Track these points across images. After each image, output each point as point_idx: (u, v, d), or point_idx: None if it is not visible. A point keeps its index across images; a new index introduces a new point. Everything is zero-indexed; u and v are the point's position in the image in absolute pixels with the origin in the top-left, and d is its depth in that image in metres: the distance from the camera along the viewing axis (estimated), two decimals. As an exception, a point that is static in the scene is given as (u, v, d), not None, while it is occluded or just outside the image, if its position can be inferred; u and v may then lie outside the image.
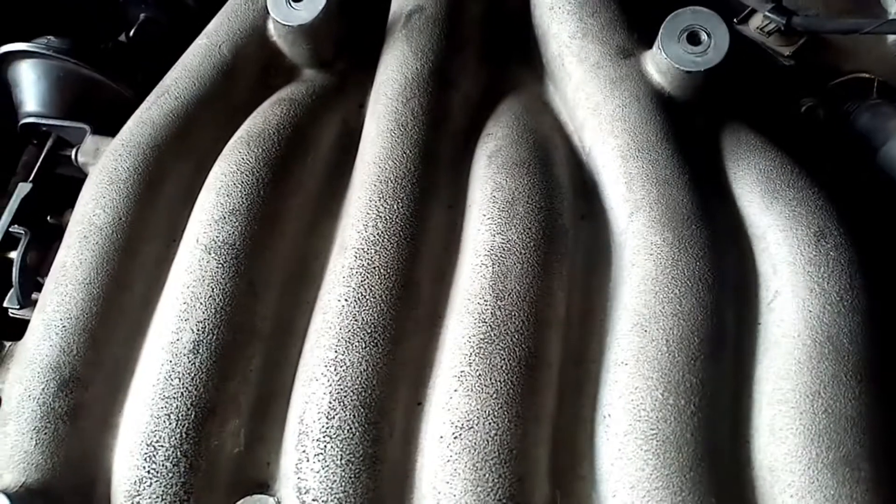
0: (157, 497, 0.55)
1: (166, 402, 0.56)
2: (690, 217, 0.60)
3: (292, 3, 0.70)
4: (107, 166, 0.66)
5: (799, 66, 0.79)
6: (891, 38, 0.80)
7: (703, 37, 0.66)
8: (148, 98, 0.71)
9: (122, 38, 0.92)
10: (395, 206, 0.62)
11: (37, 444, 0.57)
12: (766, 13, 0.73)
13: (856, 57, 0.82)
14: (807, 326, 0.57)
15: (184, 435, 0.55)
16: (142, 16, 0.92)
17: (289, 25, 0.69)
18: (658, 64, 0.67)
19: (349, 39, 0.74)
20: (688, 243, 0.59)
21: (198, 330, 0.58)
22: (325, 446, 0.54)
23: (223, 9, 0.76)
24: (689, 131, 0.67)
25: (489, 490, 0.53)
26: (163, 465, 0.55)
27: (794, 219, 0.61)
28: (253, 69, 0.73)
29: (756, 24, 0.74)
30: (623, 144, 0.65)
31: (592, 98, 0.69)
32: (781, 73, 0.79)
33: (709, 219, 0.61)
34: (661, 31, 0.66)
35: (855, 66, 0.82)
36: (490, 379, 0.55)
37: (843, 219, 0.61)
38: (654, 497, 0.52)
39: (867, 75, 0.82)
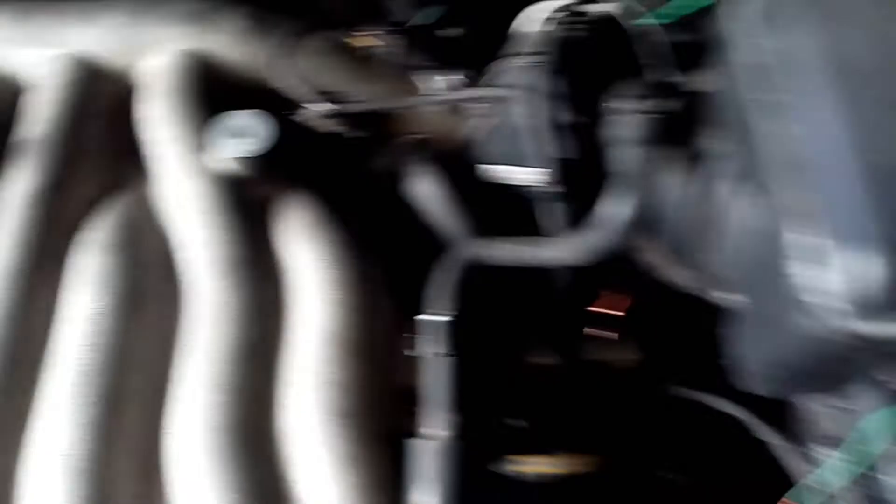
0: None
1: None
2: (237, 264, 0.82)
3: None
4: None
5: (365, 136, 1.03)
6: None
7: (244, 130, 0.88)
8: None
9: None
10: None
11: None
12: (313, 102, 0.97)
13: (420, 121, 1.08)
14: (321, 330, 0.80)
15: None
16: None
17: None
18: (215, 155, 0.89)
19: None
20: (232, 283, 0.81)
21: None
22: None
23: None
24: (248, 202, 0.89)
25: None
26: None
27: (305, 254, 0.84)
28: None
29: (310, 113, 0.98)
30: (190, 223, 0.86)
31: (172, 190, 0.90)
32: (351, 143, 1.04)
33: (251, 264, 0.83)
34: (213, 128, 0.88)
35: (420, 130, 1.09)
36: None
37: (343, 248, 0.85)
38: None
39: (421, 135, 1.08)
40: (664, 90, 0.79)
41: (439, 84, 1.03)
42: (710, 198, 0.74)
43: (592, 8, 0.91)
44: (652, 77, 0.81)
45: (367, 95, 1.03)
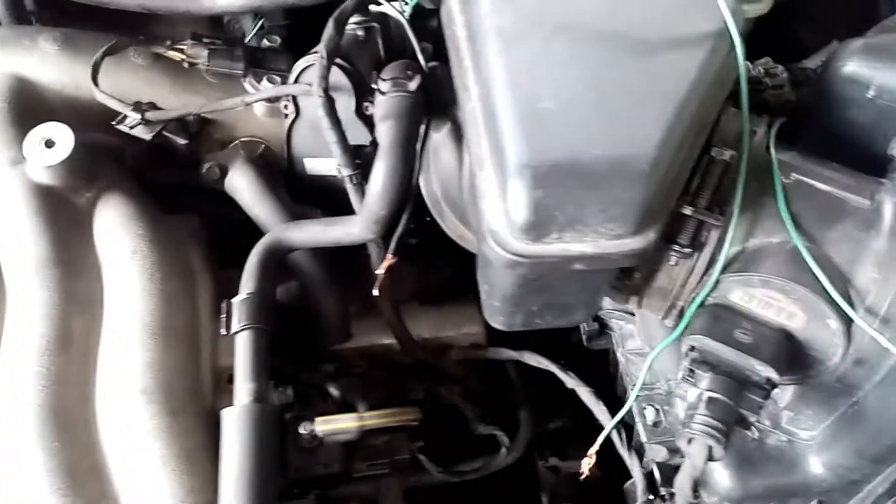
0: None
1: None
2: (47, 262, 0.87)
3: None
4: None
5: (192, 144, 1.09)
6: (258, 107, 1.12)
7: (54, 140, 0.94)
8: None
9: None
10: None
11: None
12: (129, 113, 1.02)
13: (244, 128, 1.14)
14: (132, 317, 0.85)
15: None
16: None
17: None
18: (31, 165, 0.94)
19: None
20: (42, 281, 0.86)
21: None
22: None
23: None
24: (66, 208, 0.94)
25: None
26: None
27: (119, 246, 0.90)
28: None
29: (127, 123, 1.03)
30: (9, 225, 0.91)
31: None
32: (182, 150, 1.09)
33: (64, 262, 0.88)
34: (25, 142, 0.93)
35: (244, 133, 1.15)
36: None
37: (154, 239, 0.90)
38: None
39: (252, 138, 1.14)
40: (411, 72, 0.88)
41: (253, 89, 1.10)
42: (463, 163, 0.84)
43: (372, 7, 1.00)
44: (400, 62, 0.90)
45: (187, 105, 1.10)
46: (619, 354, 1.05)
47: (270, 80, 1.10)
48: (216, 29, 1.50)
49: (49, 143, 0.94)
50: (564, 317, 0.77)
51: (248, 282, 0.88)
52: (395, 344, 1.06)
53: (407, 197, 0.85)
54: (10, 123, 0.99)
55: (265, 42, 1.17)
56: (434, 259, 1.05)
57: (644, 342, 1.02)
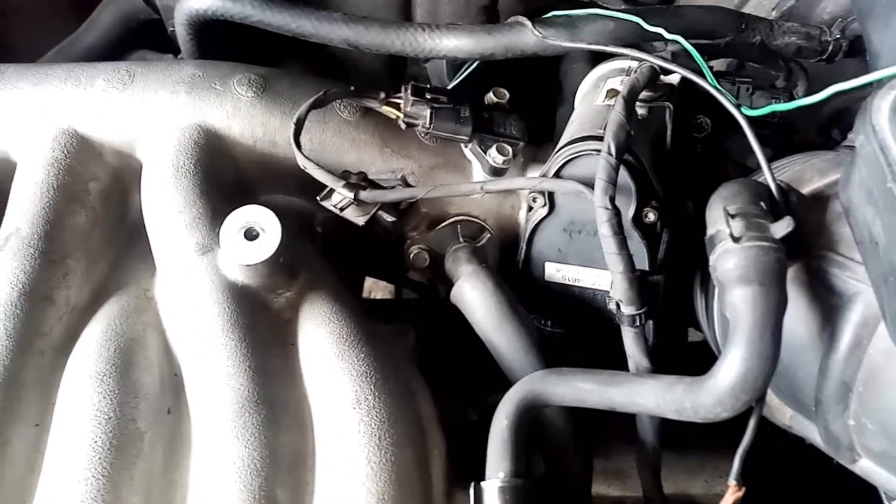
0: None
1: None
2: (245, 405, 0.67)
3: None
4: None
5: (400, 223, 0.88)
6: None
7: (258, 231, 0.74)
8: None
9: None
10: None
11: None
12: (339, 189, 0.82)
13: (459, 203, 0.93)
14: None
15: None
16: None
17: None
18: (225, 259, 0.74)
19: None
20: (240, 432, 0.66)
21: None
22: None
23: None
24: (263, 315, 0.74)
25: None
26: None
27: (335, 388, 0.69)
28: None
29: (334, 202, 0.83)
30: (193, 337, 0.71)
31: (174, 294, 0.75)
32: (388, 229, 0.88)
33: (266, 403, 0.68)
34: (220, 229, 0.74)
35: (459, 211, 0.93)
36: None
37: (381, 383, 0.69)
38: None
39: (470, 217, 0.93)
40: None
41: (492, 158, 0.88)
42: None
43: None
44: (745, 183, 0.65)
45: (401, 174, 0.89)
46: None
47: (500, 151, 0.88)
48: (398, 69, 1.31)
49: (251, 234, 0.74)
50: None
51: (500, 460, 0.66)
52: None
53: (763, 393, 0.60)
54: (200, 194, 0.80)
55: (491, 97, 0.95)
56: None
57: None
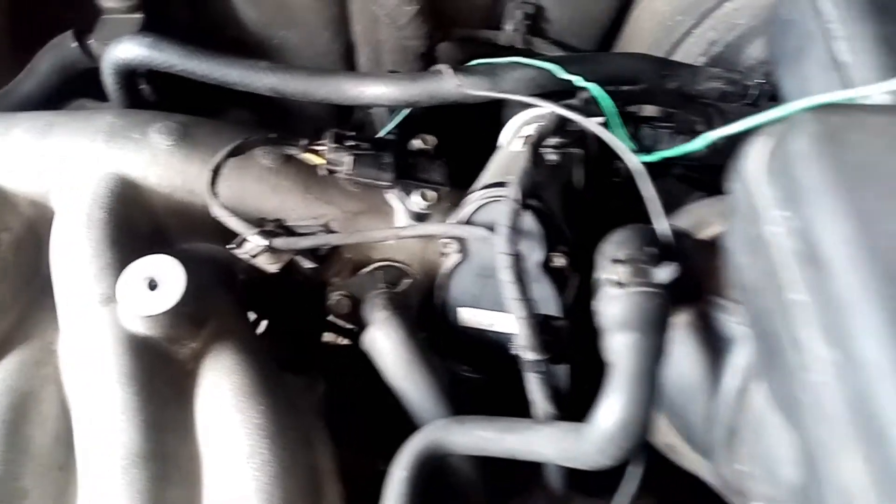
0: None
1: None
2: (134, 461, 0.65)
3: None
4: None
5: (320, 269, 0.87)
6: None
7: (160, 281, 0.73)
8: None
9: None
10: None
11: None
12: (250, 237, 0.81)
13: (383, 249, 0.92)
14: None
15: None
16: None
17: None
18: (125, 310, 0.73)
19: None
20: (126, 488, 0.64)
21: None
22: None
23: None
24: (164, 367, 0.73)
25: None
26: None
27: (229, 441, 0.67)
28: None
29: (246, 249, 0.82)
30: (87, 389, 0.70)
31: (74, 346, 0.74)
32: (308, 276, 0.88)
33: (156, 458, 0.66)
34: (119, 280, 0.73)
35: (383, 256, 0.93)
36: None
37: (277, 436, 0.68)
38: None
39: (393, 263, 0.92)
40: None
41: (413, 204, 0.87)
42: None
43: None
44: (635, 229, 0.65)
45: (324, 220, 0.88)
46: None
47: (423, 197, 0.88)
48: (345, 116, 1.32)
49: (152, 284, 0.73)
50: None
51: (392, 508, 0.65)
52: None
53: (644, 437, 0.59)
54: (110, 244, 0.79)
55: (415, 143, 0.95)
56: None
57: None
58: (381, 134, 1.00)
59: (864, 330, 0.40)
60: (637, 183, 0.66)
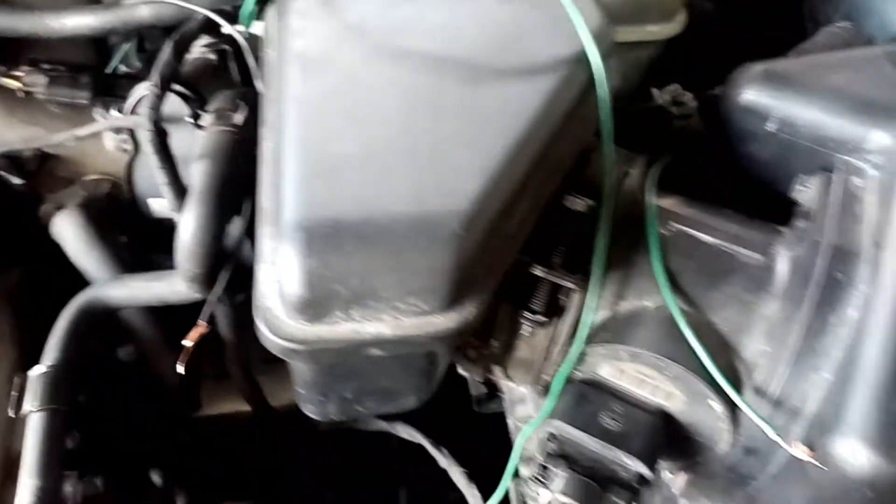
0: None
1: None
2: None
3: None
4: None
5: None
6: (108, 141, 0.98)
7: None
8: None
9: None
10: None
11: None
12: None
13: (89, 161, 1.01)
14: None
15: None
16: None
17: None
18: None
19: None
20: None
21: None
22: None
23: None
24: None
25: None
26: None
27: None
28: None
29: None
30: None
31: None
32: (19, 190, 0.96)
33: None
34: None
35: (95, 170, 1.02)
36: None
37: None
38: None
39: (98, 176, 1.01)
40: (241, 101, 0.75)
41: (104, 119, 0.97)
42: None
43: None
44: (232, 91, 0.78)
45: (23, 139, 0.96)
46: (509, 422, 0.92)
47: (120, 110, 0.98)
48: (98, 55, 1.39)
49: None
50: (391, 403, 0.64)
51: (51, 351, 0.74)
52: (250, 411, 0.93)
53: (225, 252, 0.72)
54: None
55: (122, 68, 1.04)
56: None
57: (535, 408, 0.89)
58: (111, 67, 1.09)
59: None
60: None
